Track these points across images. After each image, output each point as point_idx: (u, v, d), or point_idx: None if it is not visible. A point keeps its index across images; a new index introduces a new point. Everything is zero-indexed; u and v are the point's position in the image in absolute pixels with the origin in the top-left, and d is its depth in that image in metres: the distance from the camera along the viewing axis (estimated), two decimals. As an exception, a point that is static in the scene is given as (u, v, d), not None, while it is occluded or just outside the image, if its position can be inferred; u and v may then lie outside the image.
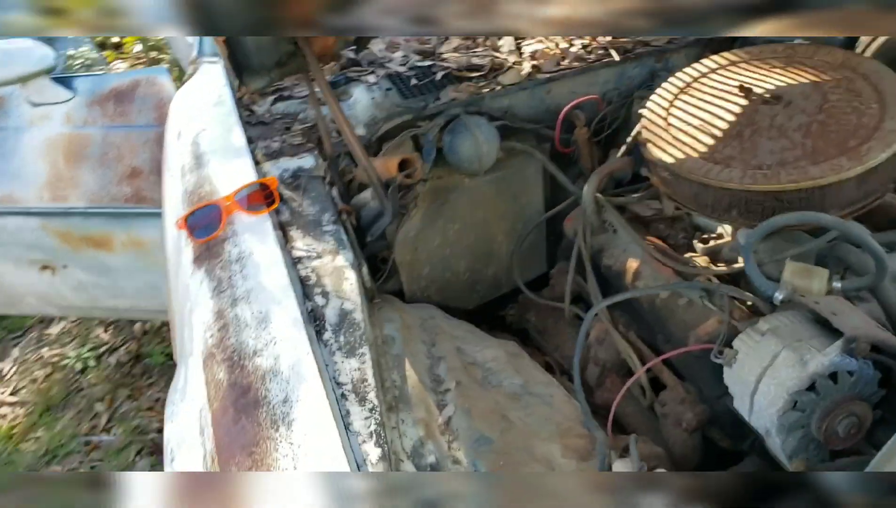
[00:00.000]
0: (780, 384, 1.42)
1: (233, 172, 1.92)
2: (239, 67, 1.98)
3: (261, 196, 1.76)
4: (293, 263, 1.64)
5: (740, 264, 1.78)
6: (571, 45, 2.34)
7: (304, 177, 1.97)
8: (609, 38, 2.37)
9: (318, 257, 1.68)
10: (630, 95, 2.33)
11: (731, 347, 1.56)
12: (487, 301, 2.42)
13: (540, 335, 2.34)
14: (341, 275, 1.62)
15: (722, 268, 1.74)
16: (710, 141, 1.76)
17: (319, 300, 1.56)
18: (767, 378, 1.45)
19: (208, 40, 2.70)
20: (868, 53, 2.15)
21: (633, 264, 1.95)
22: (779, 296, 1.55)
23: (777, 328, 1.50)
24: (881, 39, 2.13)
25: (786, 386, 1.41)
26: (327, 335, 1.46)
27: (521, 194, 2.30)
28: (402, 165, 1.79)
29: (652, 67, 2.37)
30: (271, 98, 2.40)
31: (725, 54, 2.02)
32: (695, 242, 1.96)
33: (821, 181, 1.57)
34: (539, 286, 2.41)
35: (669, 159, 1.75)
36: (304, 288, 1.58)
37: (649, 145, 1.82)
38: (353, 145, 1.73)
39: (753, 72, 1.93)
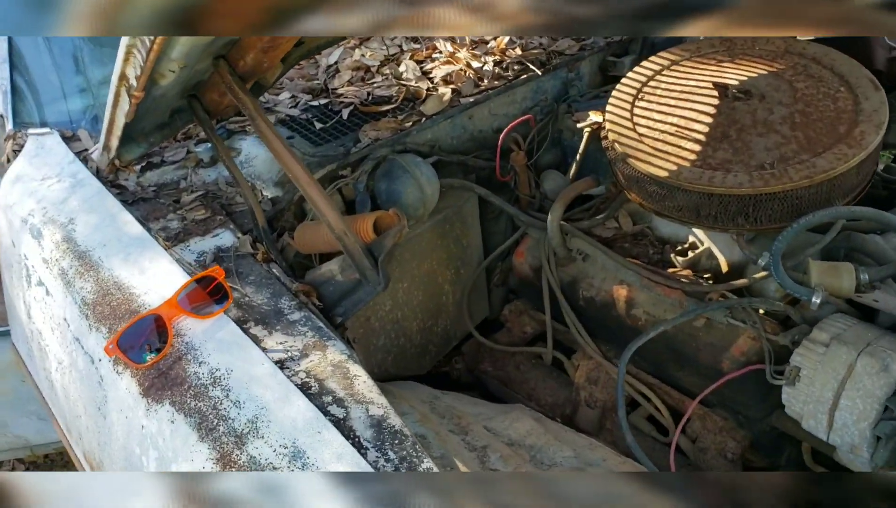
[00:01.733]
0: (868, 394, 1.34)
1: (148, 267, 1.53)
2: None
3: (203, 293, 1.40)
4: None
5: (742, 278, 1.72)
6: (484, 63, 2.18)
7: (229, 259, 1.63)
8: (521, 52, 2.24)
9: (305, 355, 1.37)
10: (551, 109, 2.22)
11: (788, 364, 1.47)
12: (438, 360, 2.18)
13: (505, 385, 2.14)
14: (346, 373, 1.32)
15: (740, 281, 1.65)
16: (697, 147, 1.68)
17: (336, 411, 1.25)
18: (850, 391, 1.36)
19: (27, 108, 2.22)
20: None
21: (621, 291, 1.82)
22: (816, 300, 1.48)
23: (840, 335, 1.42)
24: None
25: (876, 396, 1.34)
26: (372, 454, 1.17)
27: (463, 235, 2.10)
28: (377, 226, 1.52)
29: (564, 78, 2.27)
30: (138, 167, 1.99)
31: (664, 54, 1.96)
32: (672, 256, 1.87)
33: (832, 173, 1.54)
34: (486, 332, 2.22)
35: (661, 173, 1.64)
36: (309, 399, 1.26)
37: (630, 161, 1.70)
38: (320, 208, 1.43)
39: (703, 69, 1.88)
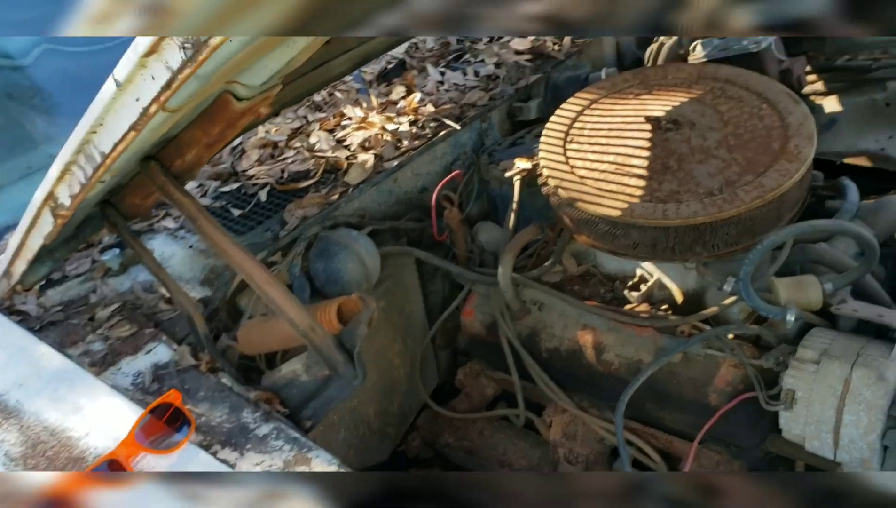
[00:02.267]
0: (871, 406, 1.34)
1: (83, 403, 1.34)
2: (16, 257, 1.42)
3: (160, 423, 1.24)
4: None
5: (701, 305, 1.71)
6: (398, 124, 2.11)
7: (170, 376, 1.47)
8: (435, 109, 2.18)
9: (289, 474, 1.22)
10: (472, 162, 2.17)
11: (780, 387, 1.46)
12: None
13: (471, 455, 2.04)
14: (341, 486, 1.18)
15: (710, 310, 1.63)
16: (642, 182, 1.66)
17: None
18: (851, 405, 1.36)
19: None
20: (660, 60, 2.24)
21: (587, 336, 1.77)
22: (791, 317, 1.49)
23: (828, 351, 1.42)
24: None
25: (878, 406, 1.34)
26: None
27: (405, 304, 2.00)
28: (341, 314, 1.39)
29: (479, 129, 2.24)
30: (37, 287, 1.78)
31: (581, 95, 1.95)
32: (626, 292, 1.85)
33: (780, 190, 1.55)
34: (440, 401, 2.12)
35: (613, 212, 1.61)
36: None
37: (579, 205, 1.66)
38: (279, 303, 1.30)
39: (624, 104, 1.88)
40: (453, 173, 2.01)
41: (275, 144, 2.12)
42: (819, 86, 2.17)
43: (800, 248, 1.64)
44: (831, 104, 2.12)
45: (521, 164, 1.99)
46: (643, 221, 1.58)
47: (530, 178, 2.02)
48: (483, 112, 2.21)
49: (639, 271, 1.89)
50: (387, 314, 1.92)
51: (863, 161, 2.09)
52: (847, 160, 2.05)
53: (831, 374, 1.38)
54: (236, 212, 1.88)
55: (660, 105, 1.83)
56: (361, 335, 1.30)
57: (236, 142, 2.16)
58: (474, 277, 1.95)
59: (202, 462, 1.21)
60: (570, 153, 1.82)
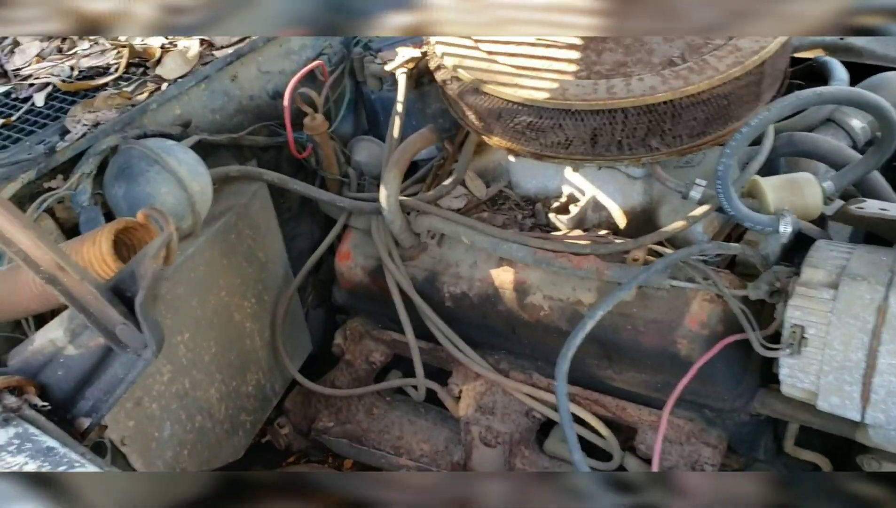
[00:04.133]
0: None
1: None
2: None
3: None
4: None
5: (656, 224, 1.30)
6: (237, 3, 1.57)
7: None
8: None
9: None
10: (342, 57, 1.67)
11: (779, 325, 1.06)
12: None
13: (359, 443, 1.57)
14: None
15: (672, 226, 1.21)
16: (574, 53, 1.23)
17: None
18: (891, 343, 0.97)
19: None
20: None
21: (504, 275, 1.33)
22: (786, 229, 1.10)
23: (848, 269, 1.02)
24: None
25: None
26: None
27: (257, 246, 1.49)
28: (121, 246, 0.88)
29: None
30: None
31: None
32: (552, 216, 1.41)
33: (763, 54, 1.15)
34: (315, 373, 1.64)
35: (538, 94, 1.17)
36: None
37: (488, 88, 1.21)
38: (9, 238, 0.77)
39: None
40: (313, 64, 1.51)
41: (65, 37, 1.55)
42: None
43: (786, 138, 1.24)
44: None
45: (408, 52, 1.51)
46: (580, 103, 1.14)
47: (419, 72, 1.54)
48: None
49: (566, 190, 1.46)
50: (229, 260, 1.41)
51: (819, 53, 1.71)
52: (800, 55, 1.66)
53: (857, 300, 1.00)
54: (-2, 122, 1.32)
55: None
56: (146, 275, 0.79)
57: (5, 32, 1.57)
58: (349, 204, 1.47)
59: None
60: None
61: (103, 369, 0.90)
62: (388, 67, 1.54)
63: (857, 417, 1.02)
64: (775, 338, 1.09)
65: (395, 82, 1.55)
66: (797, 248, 1.22)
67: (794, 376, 1.05)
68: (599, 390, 1.31)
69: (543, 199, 1.51)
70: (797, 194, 1.15)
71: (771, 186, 1.15)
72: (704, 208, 1.18)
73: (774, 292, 1.10)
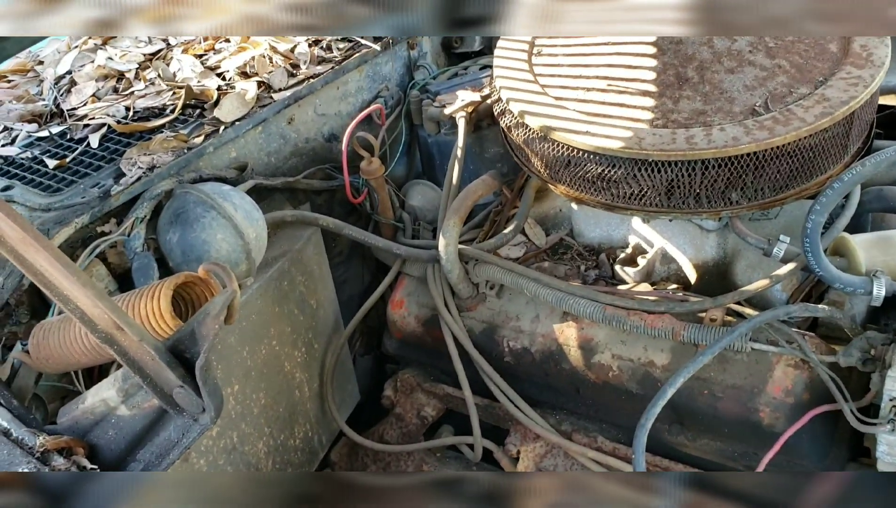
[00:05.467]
0: None
1: None
2: None
3: None
4: None
5: (730, 281, 1.23)
6: (294, 42, 1.55)
7: None
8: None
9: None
10: (397, 101, 1.64)
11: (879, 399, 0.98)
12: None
13: (407, 500, 1.50)
14: None
15: (755, 285, 1.15)
16: (649, 100, 1.19)
17: None
18: None
19: None
20: None
21: (569, 331, 1.27)
22: (881, 292, 1.03)
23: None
24: None
25: None
26: None
27: (309, 293, 1.46)
28: (179, 302, 0.85)
29: (405, 58, 1.71)
30: None
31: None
32: (617, 267, 1.36)
33: (853, 105, 1.10)
34: (362, 426, 1.58)
35: (611, 143, 1.12)
36: None
37: (556, 135, 1.16)
38: (65, 293, 0.74)
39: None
40: (372, 108, 1.49)
41: (120, 75, 1.55)
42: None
43: (875, 193, 1.18)
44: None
45: (468, 95, 1.48)
46: (657, 154, 1.09)
47: (479, 116, 1.51)
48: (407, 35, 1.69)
49: (633, 239, 1.40)
50: (280, 308, 1.37)
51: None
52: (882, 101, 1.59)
53: (968, 374, 0.91)
54: (52, 163, 1.30)
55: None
56: (210, 336, 0.75)
57: (63, 70, 1.57)
58: (405, 251, 1.42)
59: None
60: (538, 69, 1.32)
61: (156, 431, 0.86)
62: (447, 111, 1.50)
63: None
64: (868, 410, 1.02)
65: (453, 126, 1.51)
66: (884, 308, 1.15)
67: (894, 454, 0.97)
68: (670, 457, 1.23)
69: (608, 249, 1.45)
70: (890, 253, 1.08)
71: (861, 245, 1.09)
72: (790, 266, 1.12)
73: (868, 359, 1.03)
